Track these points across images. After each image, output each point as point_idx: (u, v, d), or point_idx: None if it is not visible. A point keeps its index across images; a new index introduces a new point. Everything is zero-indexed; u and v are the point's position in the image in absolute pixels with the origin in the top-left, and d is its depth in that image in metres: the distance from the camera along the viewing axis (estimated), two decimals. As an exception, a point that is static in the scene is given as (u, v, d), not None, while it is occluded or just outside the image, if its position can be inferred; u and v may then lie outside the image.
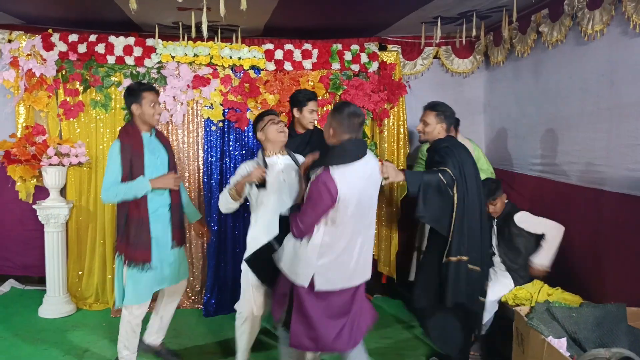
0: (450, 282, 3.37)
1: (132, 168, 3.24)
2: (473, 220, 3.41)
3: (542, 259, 3.73)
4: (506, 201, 3.98)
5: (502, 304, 3.75)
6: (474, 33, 4.38)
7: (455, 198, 3.34)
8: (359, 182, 2.70)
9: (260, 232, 3.20)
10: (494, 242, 4.02)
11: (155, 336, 3.75)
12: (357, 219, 2.73)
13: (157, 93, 3.43)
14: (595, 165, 3.63)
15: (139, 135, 3.33)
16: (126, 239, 3.26)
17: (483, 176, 4.37)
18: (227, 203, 3.28)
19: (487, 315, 3.78)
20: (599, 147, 3.59)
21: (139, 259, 3.26)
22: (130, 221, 3.26)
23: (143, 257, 3.27)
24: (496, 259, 3.96)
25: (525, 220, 3.82)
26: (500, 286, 3.79)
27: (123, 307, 3.39)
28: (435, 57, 5.41)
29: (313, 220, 2.68)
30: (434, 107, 3.54)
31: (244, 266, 3.26)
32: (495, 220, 4.00)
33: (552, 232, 3.74)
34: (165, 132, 4.69)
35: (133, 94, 3.32)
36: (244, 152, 4.76)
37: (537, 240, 3.81)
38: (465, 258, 3.39)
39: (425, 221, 3.54)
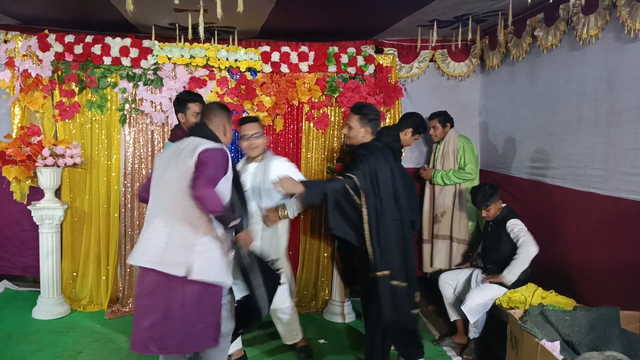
0: (383, 298, 3.18)
1: None
2: (389, 232, 3.20)
3: (511, 275, 3.69)
4: (503, 205, 3.99)
5: (496, 307, 3.76)
6: (469, 37, 4.39)
7: (365, 209, 3.16)
8: (165, 156, 2.86)
9: None
10: (485, 245, 4.05)
11: None
12: (155, 193, 2.80)
13: (202, 103, 3.71)
14: (593, 169, 3.63)
15: None
16: None
17: (468, 177, 4.66)
18: None
19: (477, 316, 3.78)
20: (597, 152, 3.59)
21: None
22: None
23: None
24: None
25: (513, 225, 3.80)
26: (489, 289, 3.80)
27: None
28: (431, 60, 5.42)
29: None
30: (357, 110, 3.39)
31: None
32: (490, 223, 4.01)
33: (525, 251, 3.66)
34: (161, 133, 4.70)
35: (180, 104, 3.72)
36: (239, 154, 4.76)
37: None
38: (387, 272, 3.20)
39: (336, 233, 3.27)
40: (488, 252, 4.00)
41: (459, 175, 4.68)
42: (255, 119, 3.87)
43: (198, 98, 3.74)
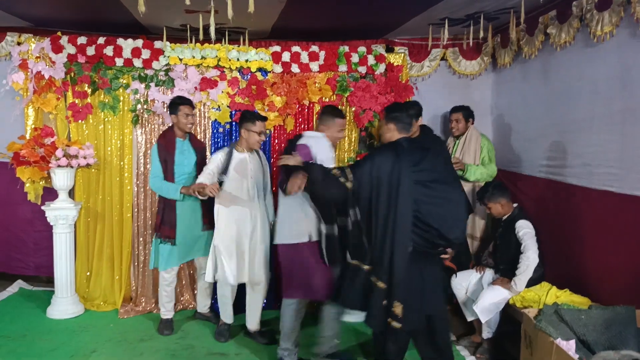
0: (346, 280, 3.29)
1: (166, 164, 4.09)
2: (380, 232, 3.07)
3: (519, 287, 3.65)
4: (514, 205, 3.96)
5: (510, 306, 3.74)
6: (481, 35, 4.38)
7: (355, 197, 3.10)
8: None
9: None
10: (496, 244, 4.02)
11: (202, 304, 4.51)
12: None
13: (193, 106, 4.21)
14: (608, 167, 3.60)
15: (173, 139, 4.16)
16: (160, 218, 4.16)
17: (484, 172, 4.57)
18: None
19: (489, 316, 3.75)
20: (612, 149, 3.56)
21: (165, 235, 4.13)
22: (165, 205, 4.14)
23: (168, 234, 4.12)
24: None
25: (520, 227, 3.74)
26: (500, 289, 3.75)
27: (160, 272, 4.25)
28: (442, 59, 5.40)
29: None
30: (384, 109, 3.38)
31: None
32: (502, 223, 3.99)
33: (525, 260, 3.61)
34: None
35: (172, 106, 4.14)
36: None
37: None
38: (366, 267, 3.14)
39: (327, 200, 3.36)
40: (499, 252, 3.97)
41: (490, 172, 4.59)
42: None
43: (188, 101, 4.17)
